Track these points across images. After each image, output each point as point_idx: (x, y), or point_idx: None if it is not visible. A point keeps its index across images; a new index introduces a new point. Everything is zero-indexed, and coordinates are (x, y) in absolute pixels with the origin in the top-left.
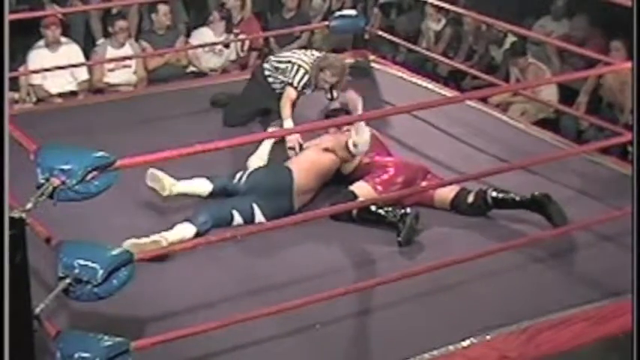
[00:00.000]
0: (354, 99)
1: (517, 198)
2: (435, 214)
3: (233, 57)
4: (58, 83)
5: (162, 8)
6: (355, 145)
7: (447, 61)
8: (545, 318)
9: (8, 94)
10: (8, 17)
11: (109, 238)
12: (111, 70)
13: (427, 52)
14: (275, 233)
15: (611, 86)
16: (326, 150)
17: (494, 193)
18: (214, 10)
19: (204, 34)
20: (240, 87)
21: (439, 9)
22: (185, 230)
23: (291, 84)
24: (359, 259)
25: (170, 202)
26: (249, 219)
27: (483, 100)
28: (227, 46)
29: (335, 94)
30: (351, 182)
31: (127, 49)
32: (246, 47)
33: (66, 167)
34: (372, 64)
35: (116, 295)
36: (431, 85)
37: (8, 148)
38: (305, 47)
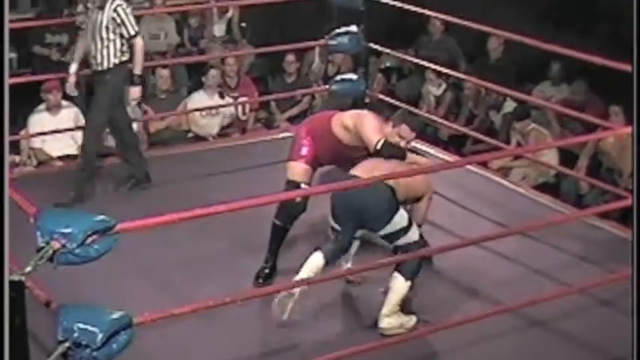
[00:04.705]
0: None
1: None
2: (438, 280)
3: (229, 118)
4: (58, 147)
5: (162, 73)
6: None
7: (447, 124)
8: None
9: (9, 158)
10: (9, 81)
11: (109, 302)
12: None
13: (428, 115)
14: None
15: (610, 151)
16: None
17: None
18: (210, 68)
19: (197, 99)
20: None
21: (439, 74)
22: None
23: None
24: (362, 322)
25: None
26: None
27: (484, 164)
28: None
29: None
30: None
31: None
32: (247, 110)
33: (66, 231)
34: None
35: (116, 359)
36: (432, 150)
37: (8, 211)
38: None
